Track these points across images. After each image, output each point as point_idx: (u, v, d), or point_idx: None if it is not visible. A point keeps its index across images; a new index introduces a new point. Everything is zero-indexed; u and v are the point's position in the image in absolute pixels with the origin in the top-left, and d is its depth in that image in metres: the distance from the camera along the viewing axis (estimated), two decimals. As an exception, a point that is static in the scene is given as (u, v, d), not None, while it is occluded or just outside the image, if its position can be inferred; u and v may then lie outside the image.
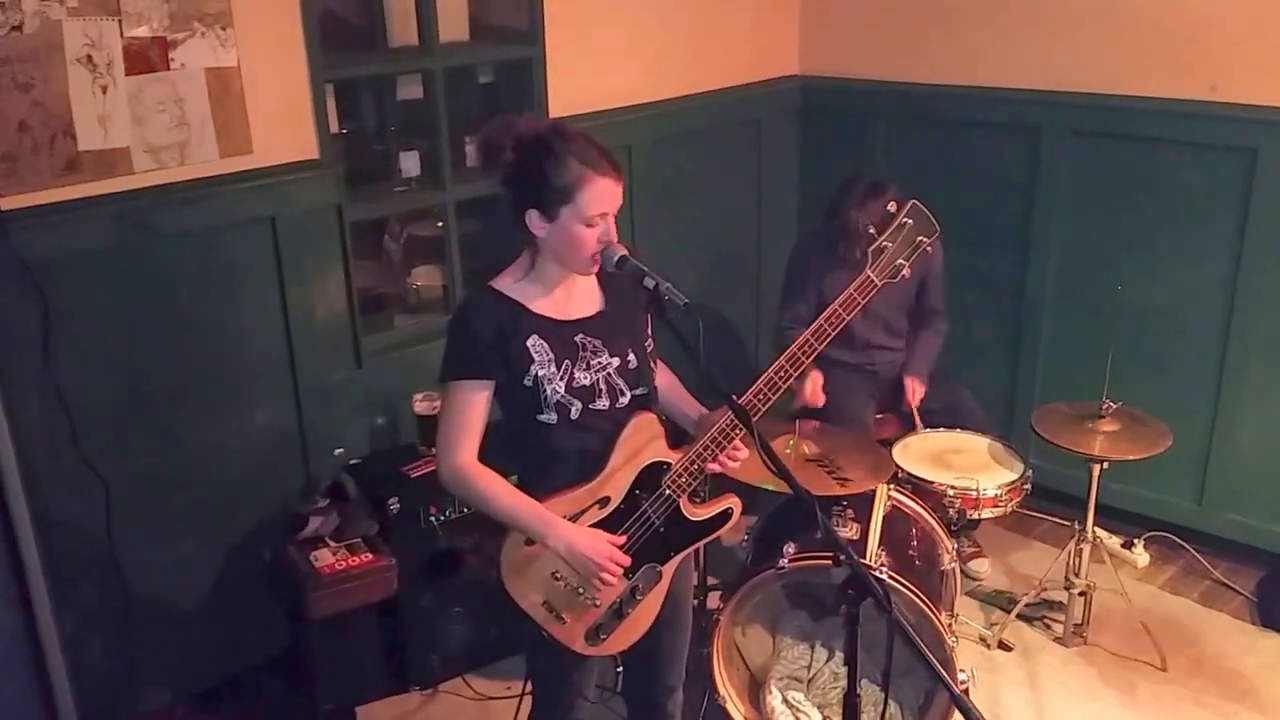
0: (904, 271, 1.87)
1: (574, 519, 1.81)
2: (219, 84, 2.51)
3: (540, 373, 1.77)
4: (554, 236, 1.75)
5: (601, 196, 1.72)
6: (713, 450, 1.82)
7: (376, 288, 3.15)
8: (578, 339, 1.81)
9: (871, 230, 1.91)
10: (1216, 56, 2.99)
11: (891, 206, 1.90)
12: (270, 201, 2.64)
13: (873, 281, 1.85)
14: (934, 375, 3.21)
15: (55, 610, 2.28)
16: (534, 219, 1.75)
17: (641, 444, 1.83)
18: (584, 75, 3.18)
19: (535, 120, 1.80)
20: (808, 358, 1.84)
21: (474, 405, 1.78)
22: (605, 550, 1.78)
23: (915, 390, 3.14)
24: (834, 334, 1.84)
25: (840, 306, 1.84)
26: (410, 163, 3.02)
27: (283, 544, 2.70)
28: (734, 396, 1.73)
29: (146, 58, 2.39)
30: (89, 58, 2.32)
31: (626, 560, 1.82)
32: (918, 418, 3.11)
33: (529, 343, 1.77)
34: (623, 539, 1.83)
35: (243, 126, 2.56)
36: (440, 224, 3.12)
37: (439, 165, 3.01)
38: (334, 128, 2.83)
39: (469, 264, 3.15)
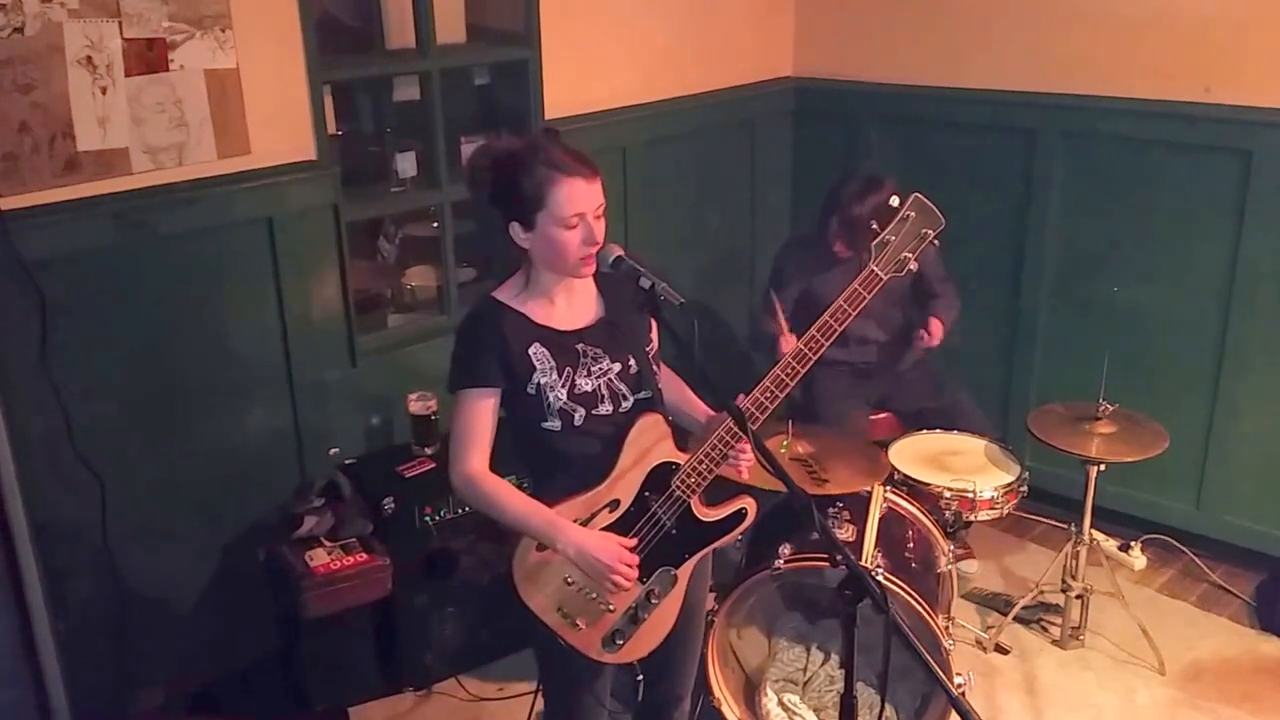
0: (910, 265, 1.86)
1: (585, 523, 1.81)
2: (218, 85, 2.52)
3: (542, 380, 1.78)
4: (538, 245, 1.77)
5: (574, 197, 1.73)
6: (720, 449, 1.81)
7: (371, 288, 3.16)
8: (578, 347, 1.82)
9: (874, 225, 1.90)
10: (1211, 58, 3.00)
11: (894, 200, 1.89)
12: (267, 202, 2.65)
13: (877, 276, 1.83)
14: (936, 376, 3.20)
15: (50, 609, 2.28)
16: (517, 232, 1.77)
17: (649, 445, 1.83)
18: (579, 77, 3.20)
19: (513, 138, 1.82)
20: (815, 353, 1.83)
21: (482, 413, 1.80)
22: (615, 552, 1.78)
23: (934, 329, 3.06)
24: (840, 330, 1.84)
25: (845, 301, 1.83)
26: (406, 164, 3.04)
27: (277, 543, 2.70)
28: (738, 395, 1.73)
29: (146, 59, 2.41)
30: (89, 59, 2.33)
31: (636, 561, 1.81)
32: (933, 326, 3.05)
33: (531, 351, 1.79)
34: (633, 541, 1.83)
35: (241, 127, 2.57)
36: (435, 224, 3.13)
37: (435, 166, 3.02)
38: (331, 129, 2.84)
39: (464, 264, 3.16)
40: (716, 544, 1.92)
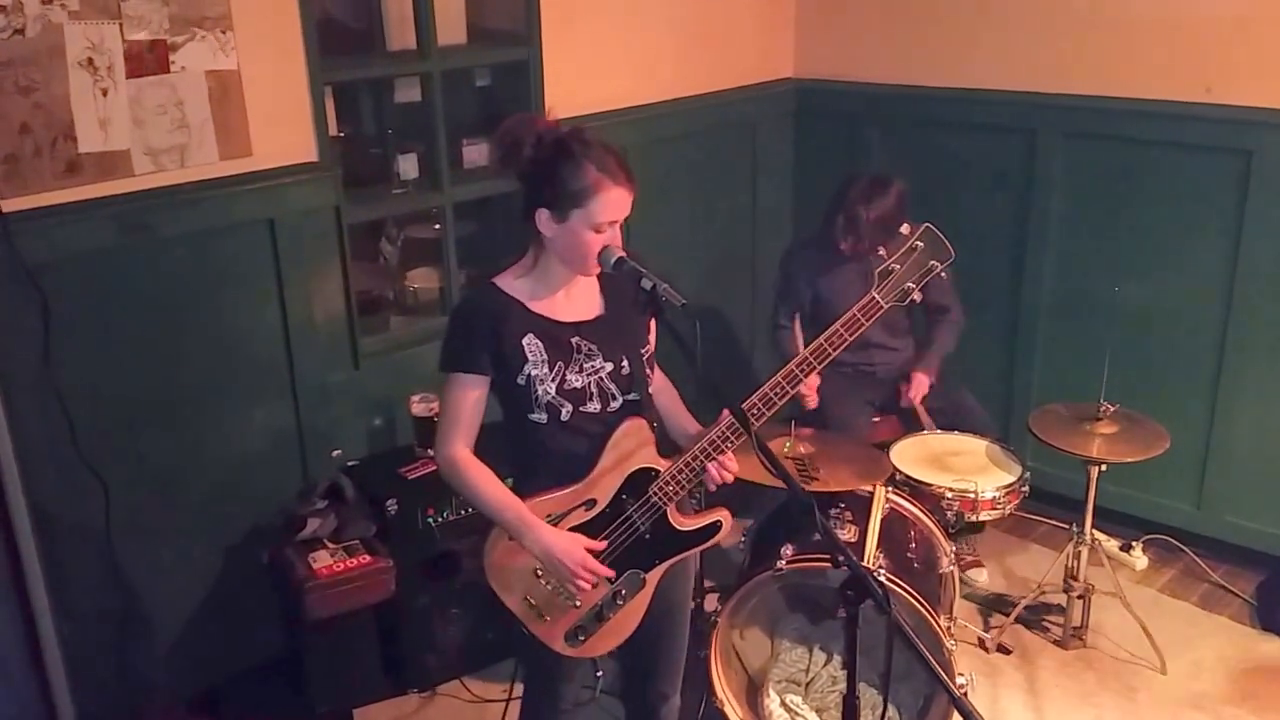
0: (913, 295, 1.83)
1: (559, 519, 1.82)
2: (219, 87, 2.52)
3: (533, 372, 1.79)
4: (561, 238, 1.77)
5: (614, 204, 1.74)
6: (701, 460, 1.82)
7: (373, 290, 3.16)
8: (573, 341, 1.83)
9: (882, 252, 1.90)
10: (1212, 58, 3.00)
11: (905, 229, 1.88)
12: (269, 204, 2.65)
13: (879, 304, 1.82)
14: (941, 374, 3.20)
15: (54, 611, 2.28)
16: (544, 218, 1.77)
17: (631, 448, 1.84)
18: (580, 78, 3.20)
19: (556, 122, 1.82)
20: (806, 375, 1.83)
21: (467, 398, 1.81)
22: (579, 557, 1.80)
23: (918, 384, 3.11)
24: (835, 354, 1.83)
25: (843, 326, 1.82)
26: (408, 165, 3.04)
27: (280, 545, 2.70)
28: (723, 410, 1.73)
29: (147, 61, 2.41)
30: (90, 61, 2.33)
31: (599, 566, 1.82)
32: (922, 412, 3.08)
33: (524, 341, 1.79)
34: (603, 545, 1.84)
35: (242, 129, 2.57)
36: (437, 226, 3.13)
37: (437, 168, 3.02)
38: (333, 130, 2.84)
39: (466, 266, 3.16)
40: (688, 553, 1.93)
